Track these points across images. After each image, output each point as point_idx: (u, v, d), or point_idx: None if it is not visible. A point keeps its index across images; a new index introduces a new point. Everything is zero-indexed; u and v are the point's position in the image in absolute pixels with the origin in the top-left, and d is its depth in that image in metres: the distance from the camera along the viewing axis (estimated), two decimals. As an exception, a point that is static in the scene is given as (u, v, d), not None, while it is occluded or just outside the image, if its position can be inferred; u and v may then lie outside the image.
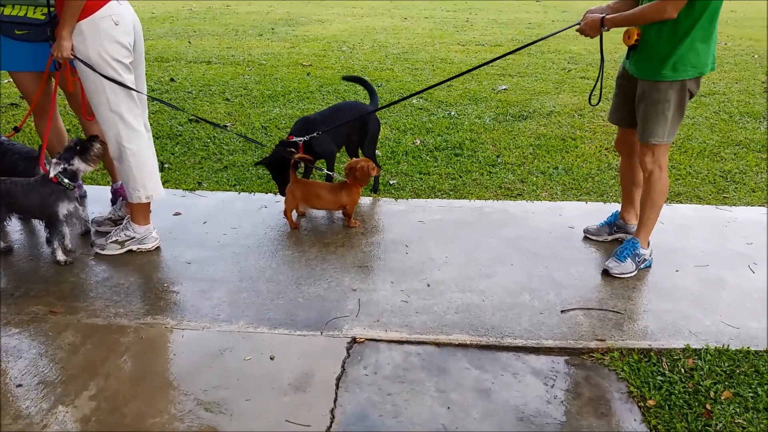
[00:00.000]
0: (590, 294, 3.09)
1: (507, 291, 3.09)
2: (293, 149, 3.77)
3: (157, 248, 3.46)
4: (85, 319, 2.83)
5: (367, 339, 2.70)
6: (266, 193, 4.27)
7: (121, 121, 3.13)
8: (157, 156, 5.11)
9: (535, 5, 16.68)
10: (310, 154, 3.85)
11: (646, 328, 2.84)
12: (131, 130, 3.16)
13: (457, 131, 5.69)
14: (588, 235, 3.65)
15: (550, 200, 4.24)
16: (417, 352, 2.64)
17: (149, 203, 3.37)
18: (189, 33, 11.01)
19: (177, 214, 3.90)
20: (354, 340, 2.70)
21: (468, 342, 2.70)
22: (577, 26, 3.11)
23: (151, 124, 5.89)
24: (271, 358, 2.58)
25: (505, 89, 7.31)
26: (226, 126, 5.71)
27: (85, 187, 4.25)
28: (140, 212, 3.36)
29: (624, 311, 2.96)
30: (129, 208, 3.38)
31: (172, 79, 7.42)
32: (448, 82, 7.54)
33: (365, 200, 4.21)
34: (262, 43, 10.09)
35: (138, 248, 3.40)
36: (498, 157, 5.07)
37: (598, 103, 3.60)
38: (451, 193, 4.34)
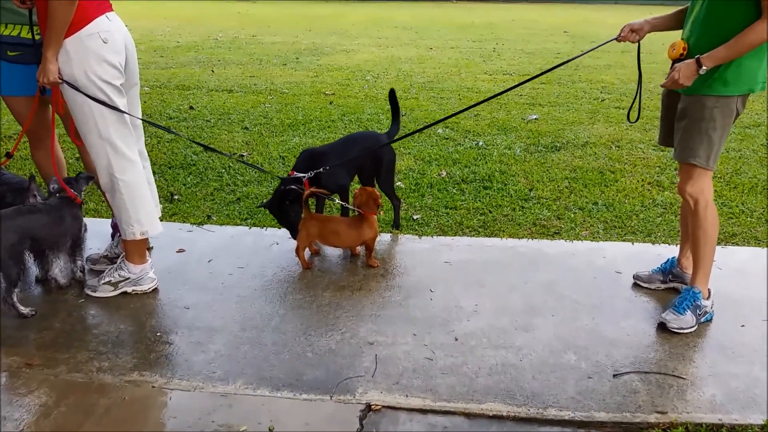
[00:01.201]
0: (646, 353, 2.66)
1: (548, 348, 2.67)
2: (296, 187, 3.40)
3: (155, 290, 3.12)
4: (64, 374, 2.48)
5: (384, 406, 2.31)
6: (279, 228, 3.92)
7: (112, 150, 2.82)
8: (168, 187, 4.92)
9: (562, 36, 16.37)
10: (320, 188, 3.50)
11: (713, 398, 2.40)
12: (124, 160, 2.85)
13: (486, 162, 5.31)
14: (638, 282, 3.22)
15: (591, 240, 3.82)
16: (443, 425, 2.23)
17: (145, 240, 3.04)
18: (213, 62, 10.88)
19: (180, 251, 3.57)
20: (369, 408, 2.30)
21: (504, 413, 2.28)
22: (668, 78, 2.72)
23: (164, 153, 5.69)
24: (270, 430, 2.19)
25: (535, 119, 6.94)
26: (234, 154, 5.41)
27: (85, 219, 3.94)
28: (135, 250, 3.03)
29: (686, 376, 2.52)
30: (124, 245, 3.05)
31: (191, 107, 7.20)
32: (475, 111, 7.20)
33: (385, 237, 3.84)
34: (286, 72, 9.90)
35: (133, 290, 3.07)
36: (531, 190, 4.68)
37: (637, 120, 3.23)
38: (480, 230, 3.95)
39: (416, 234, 3.89)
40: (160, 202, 4.31)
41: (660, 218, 4.18)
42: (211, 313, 2.92)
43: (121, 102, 2.83)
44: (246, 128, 6.35)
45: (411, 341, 2.71)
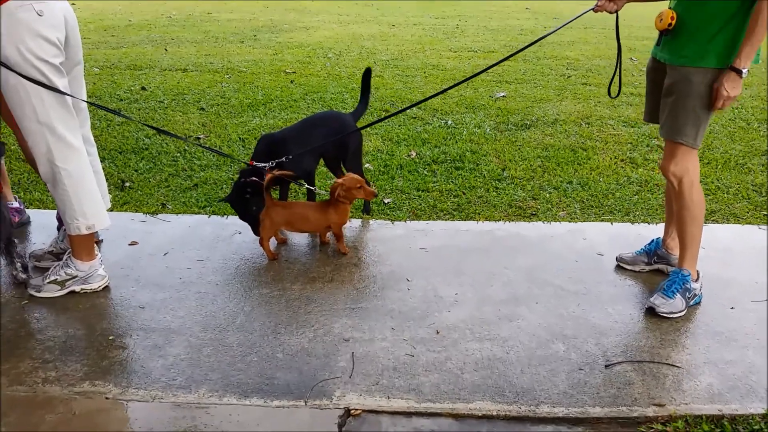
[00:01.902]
0: (636, 341, 2.53)
1: (535, 339, 2.51)
2: (256, 180, 3.15)
3: (105, 288, 2.85)
4: (5, 388, 2.22)
5: (364, 410, 2.11)
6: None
7: (52, 136, 2.53)
8: (119, 173, 4.57)
9: (524, 12, 16.23)
10: (280, 180, 3.25)
11: (711, 387, 2.28)
12: (66, 146, 2.56)
13: (456, 142, 5.13)
14: (622, 265, 3.09)
15: (569, 221, 3.67)
16: (430, 429, 2.05)
17: (93, 234, 2.76)
18: (166, 40, 10.40)
19: (133, 243, 3.30)
20: (348, 413, 2.11)
21: (494, 413, 2.11)
22: (718, 99, 2.54)
23: (115, 137, 5.33)
24: (239, 444, 1.98)
25: (503, 96, 6.78)
26: (189, 137, 5.10)
27: (30, 211, 3.63)
28: (82, 246, 2.75)
29: (681, 364, 2.39)
30: (70, 240, 2.77)
31: (143, 88, 6.81)
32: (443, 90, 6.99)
33: (356, 223, 3.62)
34: (243, 50, 9.51)
35: (81, 289, 2.79)
36: (504, 170, 4.51)
37: (618, 95, 3.07)
38: (455, 213, 3.77)
39: (388, 219, 3.69)
40: (110, 190, 4.00)
41: (636, 196, 4.06)
42: (169, 312, 2.67)
43: (61, 82, 2.52)
44: (202, 109, 6.02)
45: (389, 336, 2.51)
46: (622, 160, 4.77)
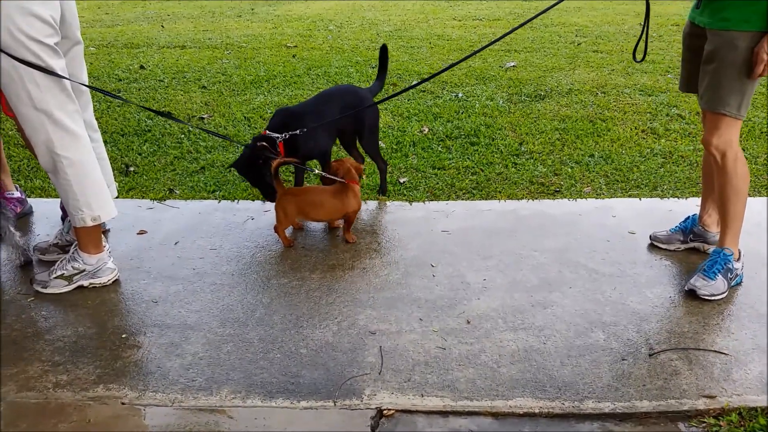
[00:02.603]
0: (679, 327, 2.39)
1: (572, 327, 2.37)
2: (266, 144, 3.01)
3: (115, 282, 2.71)
4: (12, 395, 2.09)
5: (397, 410, 1.98)
6: (253, 200, 3.52)
7: (50, 122, 2.36)
8: (122, 157, 4.40)
9: (527, -23, 15.83)
10: (295, 155, 3.12)
11: (762, 376, 2.14)
12: (66, 133, 2.39)
13: (469, 116, 4.94)
14: (656, 243, 2.94)
15: (595, 197, 3.52)
16: (468, 429, 1.92)
17: (99, 226, 2.61)
18: (162, 17, 10.13)
19: (142, 232, 3.15)
20: (380, 413, 1.98)
21: (536, 410, 1.98)
22: (759, 65, 2.34)
23: (116, 119, 5.14)
24: (269, 451, 1.86)
25: (513, 66, 6.56)
26: (192, 118, 4.92)
27: (31, 201, 3.47)
28: (89, 238, 2.60)
29: (728, 351, 2.25)
30: (75, 233, 2.62)
31: (142, 67, 6.60)
32: (450, 61, 6.77)
33: (371, 205, 3.47)
34: (242, 25, 9.25)
35: (90, 283, 2.65)
36: (521, 144, 4.34)
37: (642, 59, 2.87)
38: (474, 192, 3.61)
39: (405, 200, 3.53)
40: (114, 176, 3.84)
41: (662, 169, 3.90)
42: (184, 306, 2.53)
43: (57, 64, 2.34)
44: (204, 87, 5.82)
45: (418, 327, 2.38)
46: (642, 131, 4.59)
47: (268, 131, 3.09)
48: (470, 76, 6.13)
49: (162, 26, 9.16)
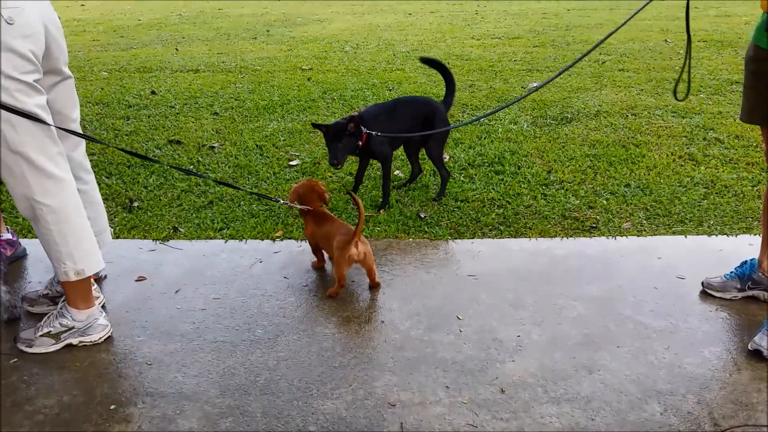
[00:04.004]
0: (747, 397, 2.07)
1: (624, 397, 2.06)
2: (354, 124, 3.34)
3: (108, 338, 2.45)
4: (-18, 481, 1.82)
5: (423, 508, 1.68)
6: (262, 239, 3.26)
7: (28, 166, 2.11)
8: (127, 191, 4.08)
9: (546, -6, 15.62)
10: (365, 152, 3.50)
11: None
12: (46, 178, 2.14)
13: (492, 141, 4.66)
14: (710, 291, 2.62)
15: (636, 234, 3.21)
16: None
17: (88, 279, 2.35)
18: (177, 39, 10.03)
19: (141, 279, 2.89)
20: None
21: None
22: None
23: (124, 146, 4.94)
24: None
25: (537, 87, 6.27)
26: (201, 146, 4.69)
27: (26, 242, 3.23)
28: (77, 292, 2.34)
29: (809, 427, 1.92)
30: (62, 287, 2.36)
31: (153, 92, 6.42)
32: (470, 81, 6.52)
33: (388, 242, 3.18)
34: (257, 47, 9.10)
35: (80, 342, 2.39)
36: (549, 173, 4.05)
37: (685, 98, 2.58)
38: (502, 228, 3.32)
39: (427, 237, 3.25)
40: (117, 212, 3.62)
41: (705, 201, 3.58)
42: (181, 369, 2.26)
43: (34, 102, 2.09)
44: (216, 114, 5.61)
45: (444, 397, 2.08)
46: (680, 157, 4.27)
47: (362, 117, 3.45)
48: (491, 98, 5.87)
49: (176, 49, 9.03)
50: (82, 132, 2.53)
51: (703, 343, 2.32)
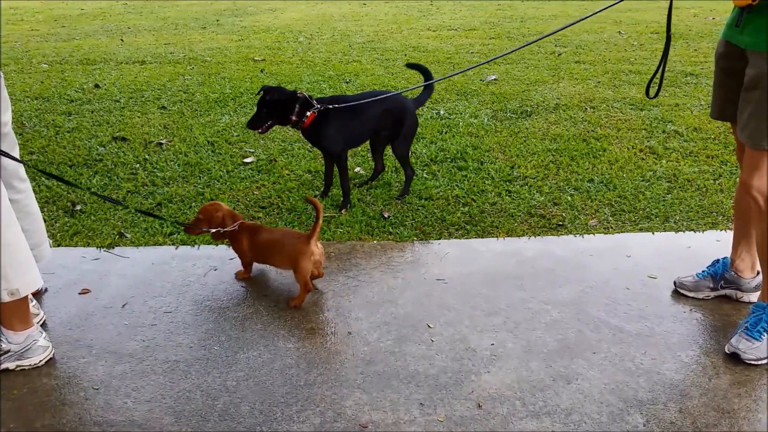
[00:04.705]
0: (728, 402, 2.01)
1: (604, 408, 1.98)
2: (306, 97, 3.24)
3: (50, 361, 2.23)
4: None
5: None
6: (216, 245, 3.06)
7: (-50, 179, 1.89)
8: (69, 193, 3.83)
9: (498, -16, 15.61)
10: (313, 138, 3.37)
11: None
12: (-28, 192, 1.92)
13: (453, 136, 4.56)
14: (683, 291, 2.57)
15: (603, 231, 3.15)
16: None
17: (25, 298, 2.13)
18: (122, 29, 9.60)
19: (84, 291, 2.67)
20: None
21: None
22: None
23: (64, 148, 4.61)
24: None
25: (495, 79, 6.21)
26: (148, 143, 4.44)
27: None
28: (12, 313, 2.13)
29: (793, 434, 1.88)
30: (-4, 306, 2.14)
31: (96, 86, 6.09)
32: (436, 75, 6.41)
33: (352, 245, 3.04)
34: (206, 37, 8.78)
35: (18, 366, 2.18)
36: (512, 168, 3.97)
37: (656, 95, 2.53)
38: (468, 228, 3.21)
39: (392, 238, 3.12)
40: (58, 216, 3.37)
41: (669, 195, 3.55)
42: (131, 394, 2.07)
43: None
44: (163, 108, 5.34)
45: (419, 416, 1.95)
46: (641, 150, 4.25)
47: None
48: (451, 91, 5.76)
49: (121, 40, 8.64)
50: (13, 136, 2.29)
51: (680, 346, 2.26)
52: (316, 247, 2.55)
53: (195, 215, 3.34)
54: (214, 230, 2.64)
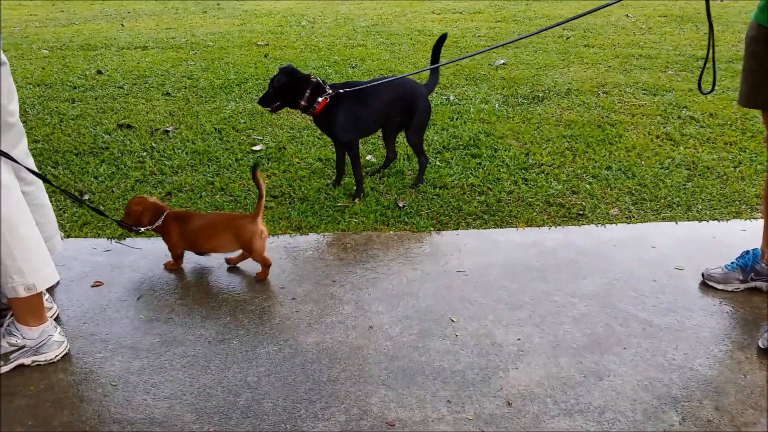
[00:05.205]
0: (764, 400, 1.95)
1: (638, 406, 1.92)
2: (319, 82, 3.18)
3: (65, 356, 2.17)
4: None
5: None
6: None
7: (-37, 171, 1.82)
8: (75, 183, 3.67)
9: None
10: (323, 125, 3.27)
11: None
12: (-16, 184, 1.85)
13: (465, 122, 4.48)
14: (711, 284, 2.51)
15: (626, 221, 3.08)
16: None
17: (39, 293, 2.07)
18: (122, 14, 9.47)
19: (97, 284, 2.61)
20: None
21: None
22: None
23: (69, 136, 4.52)
24: None
25: (504, 64, 6.12)
26: (155, 131, 4.36)
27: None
28: (27, 308, 2.06)
29: (833, 432, 1.82)
30: (10, 303, 2.07)
31: (99, 72, 5.99)
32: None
33: (367, 235, 2.97)
34: (208, 21, 8.66)
35: (33, 362, 2.12)
36: (527, 155, 3.89)
37: (711, 91, 2.44)
38: (486, 217, 3.14)
39: (408, 229, 3.05)
40: (66, 207, 3.29)
41: (689, 183, 3.48)
42: (150, 391, 2.01)
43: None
44: (168, 94, 5.25)
45: (447, 414, 1.90)
46: (657, 137, 4.18)
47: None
48: (459, 76, 5.67)
49: (122, 25, 8.51)
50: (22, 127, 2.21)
51: (712, 340, 2.21)
52: (263, 226, 2.59)
53: (201, 205, 3.28)
54: (143, 229, 2.59)
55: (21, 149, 2.18)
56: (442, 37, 3.46)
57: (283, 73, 3.19)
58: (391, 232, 3.02)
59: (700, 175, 3.59)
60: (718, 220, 3.06)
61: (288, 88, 3.17)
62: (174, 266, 2.72)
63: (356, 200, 3.31)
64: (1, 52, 2.04)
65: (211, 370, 2.09)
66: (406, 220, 3.13)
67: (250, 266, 2.70)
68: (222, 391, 2.00)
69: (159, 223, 2.60)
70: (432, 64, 3.47)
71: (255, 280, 2.61)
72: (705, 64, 2.34)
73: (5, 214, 1.87)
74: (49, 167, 3.75)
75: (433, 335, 2.24)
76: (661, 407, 1.91)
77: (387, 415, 1.89)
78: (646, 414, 1.88)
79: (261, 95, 3.28)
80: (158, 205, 2.66)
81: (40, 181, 2.27)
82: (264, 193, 2.52)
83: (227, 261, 2.73)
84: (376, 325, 2.31)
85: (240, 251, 2.65)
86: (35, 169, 2.28)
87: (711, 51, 2.27)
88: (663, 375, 2.04)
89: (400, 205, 3.28)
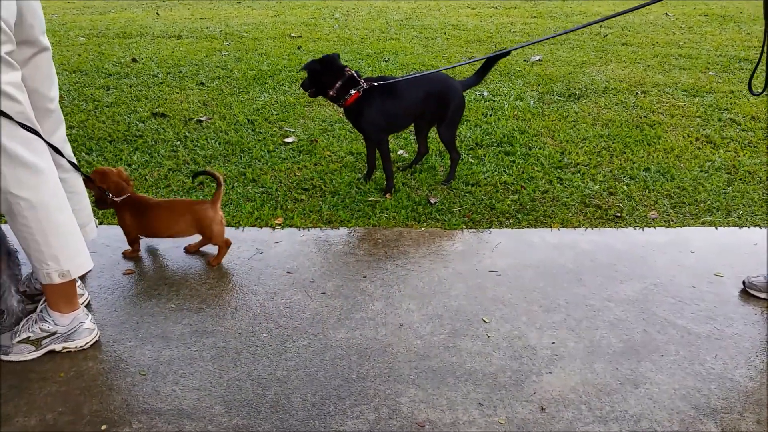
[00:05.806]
0: (811, 415, 1.88)
1: (676, 417, 1.86)
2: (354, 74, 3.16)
3: (95, 343, 2.19)
4: None
5: None
6: (261, 227, 2.99)
7: (2, 155, 1.82)
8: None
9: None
10: (353, 118, 3.24)
11: None
12: (23, 168, 1.85)
13: (499, 119, 4.42)
14: (752, 292, 2.43)
15: (664, 225, 3.00)
16: None
17: (72, 280, 2.08)
18: (157, 3, 9.57)
19: (128, 272, 2.62)
20: None
21: None
22: None
23: (103, 122, 4.59)
24: None
25: (539, 60, 6.03)
26: (188, 120, 4.37)
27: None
28: (59, 294, 2.07)
29: None
30: (43, 289, 2.09)
31: (134, 60, 6.05)
32: (470, 55, 6.24)
33: (398, 231, 2.94)
34: (242, 12, 8.69)
35: (64, 348, 2.13)
36: (563, 154, 3.82)
37: (763, 92, 2.35)
38: (519, 217, 3.09)
39: (439, 226, 3.01)
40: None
41: (730, 188, 3.38)
42: (179, 381, 2.01)
43: (7, 79, 1.79)
44: (202, 84, 5.27)
45: (479, 417, 1.86)
46: (697, 139, 4.07)
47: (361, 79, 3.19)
48: (494, 72, 5.59)
49: (157, 14, 8.59)
50: (61, 114, 2.22)
51: (753, 351, 2.13)
52: (221, 213, 2.67)
53: (233, 196, 3.28)
54: (104, 189, 2.55)
55: (59, 136, 2.19)
56: (503, 53, 3.29)
57: (320, 60, 3.17)
58: (423, 228, 2.98)
59: (740, 179, 3.48)
60: (760, 227, 2.97)
61: (320, 76, 3.15)
62: (132, 254, 2.73)
63: (387, 195, 3.28)
64: (45, 37, 2.05)
65: (241, 363, 2.08)
66: (438, 217, 3.09)
67: (282, 259, 2.69)
68: (251, 384, 1.99)
69: (118, 201, 2.58)
70: (482, 71, 3.35)
71: (209, 265, 2.66)
72: (758, 64, 2.26)
73: (42, 201, 1.88)
74: (83, 153, 3.79)
75: (464, 335, 2.20)
76: (699, 418, 1.84)
77: (417, 415, 1.86)
78: (684, 424, 1.82)
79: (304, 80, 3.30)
80: (123, 185, 2.63)
81: (74, 160, 2.28)
82: (222, 182, 2.61)
83: (186, 249, 2.76)
84: (406, 323, 2.28)
85: (199, 238, 2.71)
86: (73, 156, 2.29)
87: (765, 51, 2.19)
88: (701, 384, 1.97)
89: (432, 201, 3.24)
